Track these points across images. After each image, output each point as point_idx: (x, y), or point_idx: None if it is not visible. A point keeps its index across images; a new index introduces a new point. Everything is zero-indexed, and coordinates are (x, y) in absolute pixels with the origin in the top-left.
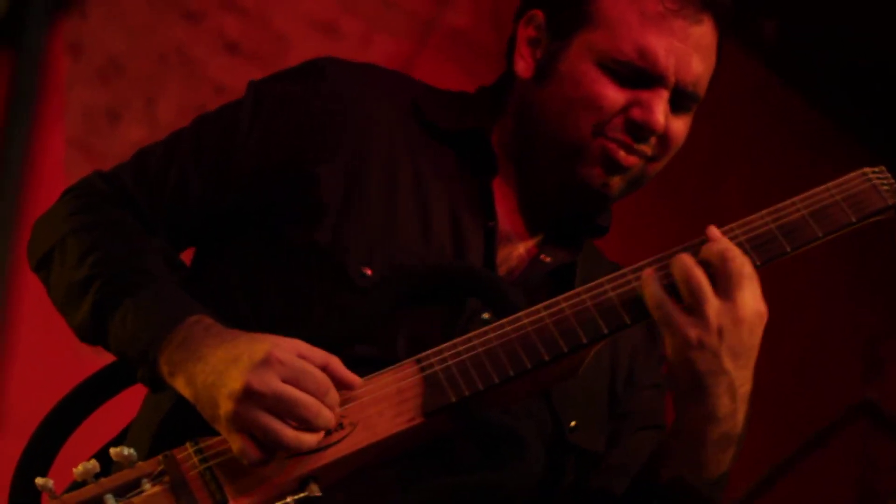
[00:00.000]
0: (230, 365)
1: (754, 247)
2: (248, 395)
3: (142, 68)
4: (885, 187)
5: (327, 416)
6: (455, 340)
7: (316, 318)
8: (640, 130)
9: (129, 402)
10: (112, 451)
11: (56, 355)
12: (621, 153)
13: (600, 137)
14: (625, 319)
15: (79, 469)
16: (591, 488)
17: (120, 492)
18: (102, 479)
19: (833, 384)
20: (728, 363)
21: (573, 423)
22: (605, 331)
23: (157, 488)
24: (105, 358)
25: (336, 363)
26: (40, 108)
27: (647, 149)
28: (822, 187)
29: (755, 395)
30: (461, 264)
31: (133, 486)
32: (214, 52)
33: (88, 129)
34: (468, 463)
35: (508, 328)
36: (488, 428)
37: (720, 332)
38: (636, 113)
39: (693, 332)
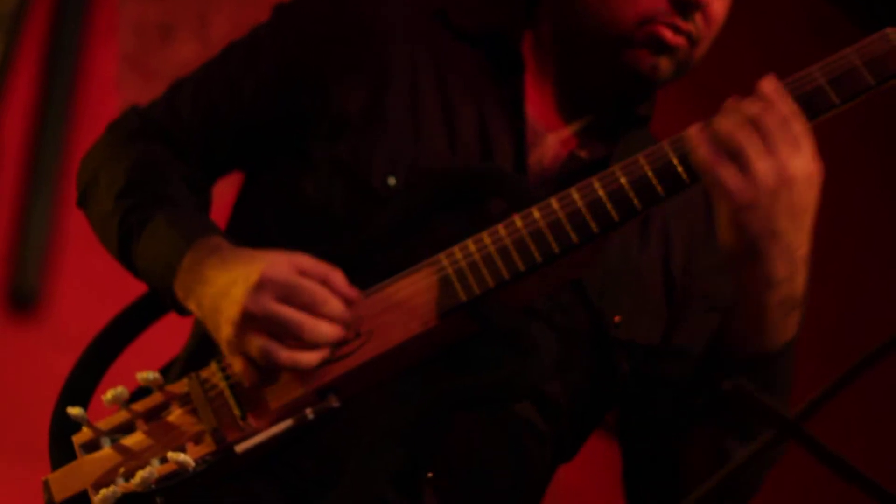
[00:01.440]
0: (229, 288)
1: (833, 82)
2: (244, 319)
3: None
4: None
5: (323, 330)
6: (467, 241)
7: (342, 232)
8: (685, 6)
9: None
10: (138, 375)
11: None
12: (668, 33)
13: (647, 25)
14: (658, 191)
15: (108, 396)
16: (650, 376)
17: (149, 415)
18: (133, 405)
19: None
20: (782, 224)
21: (617, 319)
22: (616, 219)
23: (183, 409)
24: None
25: (337, 276)
26: (92, 23)
27: (692, 27)
28: (842, 52)
29: (810, 308)
30: (482, 166)
31: (162, 409)
32: None
33: (141, 45)
34: (476, 364)
35: (520, 223)
36: (499, 327)
37: (772, 193)
38: None
39: (744, 194)
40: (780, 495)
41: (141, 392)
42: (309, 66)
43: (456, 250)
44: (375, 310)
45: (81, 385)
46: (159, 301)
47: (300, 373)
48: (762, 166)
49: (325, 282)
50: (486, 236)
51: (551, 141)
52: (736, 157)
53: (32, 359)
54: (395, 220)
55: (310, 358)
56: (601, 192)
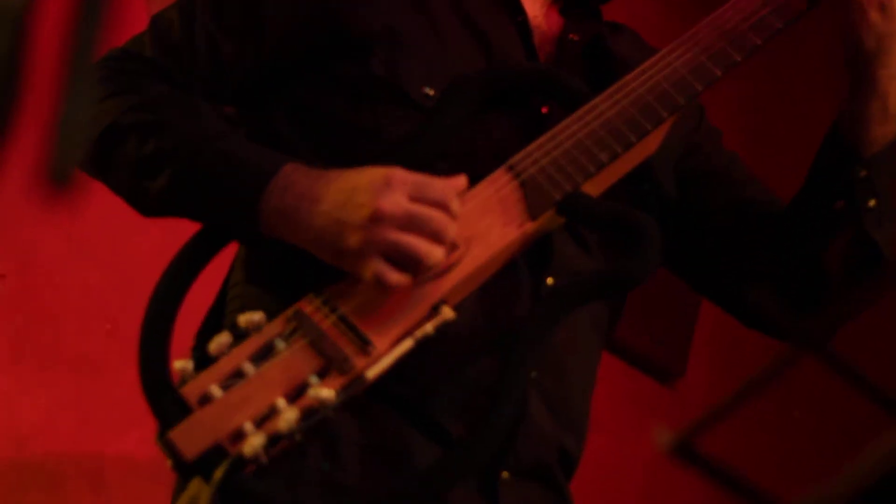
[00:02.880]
0: (351, 196)
1: None
2: (380, 218)
3: None
4: None
5: (455, 227)
6: (540, 140)
7: (387, 146)
8: None
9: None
10: (241, 318)
11: None
12: None
13: None
14: (696, 87)
15: (212, 345)
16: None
17: (256, 358)
18: (234, 350)
19: None
20: (892, 42)
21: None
22: (681, 101)
23: (295, 346)
24: None
25: (439, 178)
26: None
27: None
28: None
29: None
30: (521, 64)
31: (267, 350)
32: None
33: None
34: (571, 261)
35: (589, 117)
36: (599, 218)
37: (882, 6)
38: None
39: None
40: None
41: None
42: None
43: (532, 150)
44: (468, 218)
45: (160, 332)
46: (218, 233)
47: (412, 291)
48: None
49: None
50: (559, 132)
51: (543, 26)
52: None
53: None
54: (444, 128)
55: (441, 253)
56: (660, 78)
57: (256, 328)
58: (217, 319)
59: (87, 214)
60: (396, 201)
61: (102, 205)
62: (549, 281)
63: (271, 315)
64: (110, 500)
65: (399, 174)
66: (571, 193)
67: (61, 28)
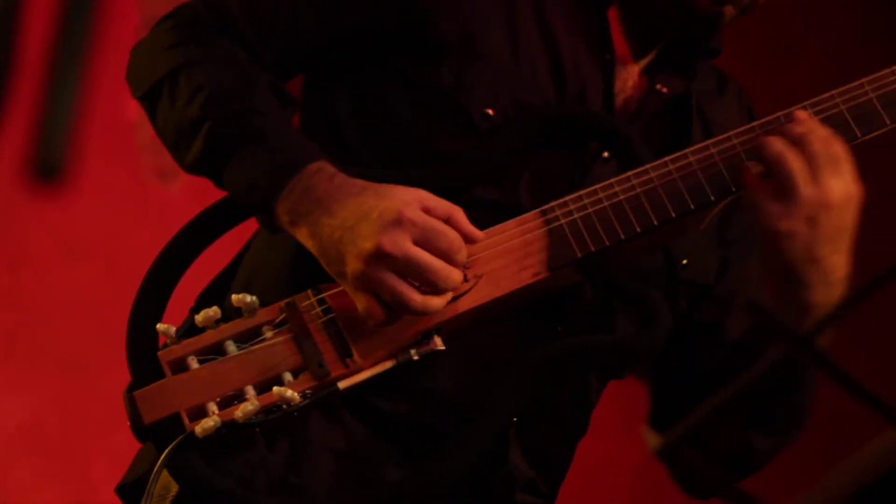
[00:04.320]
0: (359, 221)
1: (855, 117)
2: (379, 256)
3: None
4: None
5: (456, 278)
6: (580, 192)
7: (435, 157)
8: None
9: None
10: (233, 297)
11: (123, 185)
12: None
13: None
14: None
15: (200, 316)
16: (700, 321)
17: (241, 339)
18: (222, 326)
19: None
20: (821, 250)
21: (685, 262)
22: (733, 188)
23: (279, 337)
24: (171, 188)
25: (459, 214)
26: None
27: None
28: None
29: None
30: (585, 109)
31: (254, 334)
32: None
33: None
34: (587, 319)
35: (634, 181)
36: (615, 286)
37: (811, 221)
38: None
39: (784, 223)
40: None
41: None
42: None
43: (569, 201)
44: (486, 255)
45: (157, 295)
46: (237, 210)
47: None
48: (804, 194)
49: (449, 221)
50: (599, 190)
51: (632, 70)
52: (779, 184)
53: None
54: (496, 153)
55: (439, 303)
56: (718, 159)
57: (249, 311)
58: (224, 286)
59: (78, 214)
60: (399, 243)
61: (94, 205)
62: (558, 334)
63: (268, 300)
64: (97, 500)
65: (411, 213)
66: (594, 253)
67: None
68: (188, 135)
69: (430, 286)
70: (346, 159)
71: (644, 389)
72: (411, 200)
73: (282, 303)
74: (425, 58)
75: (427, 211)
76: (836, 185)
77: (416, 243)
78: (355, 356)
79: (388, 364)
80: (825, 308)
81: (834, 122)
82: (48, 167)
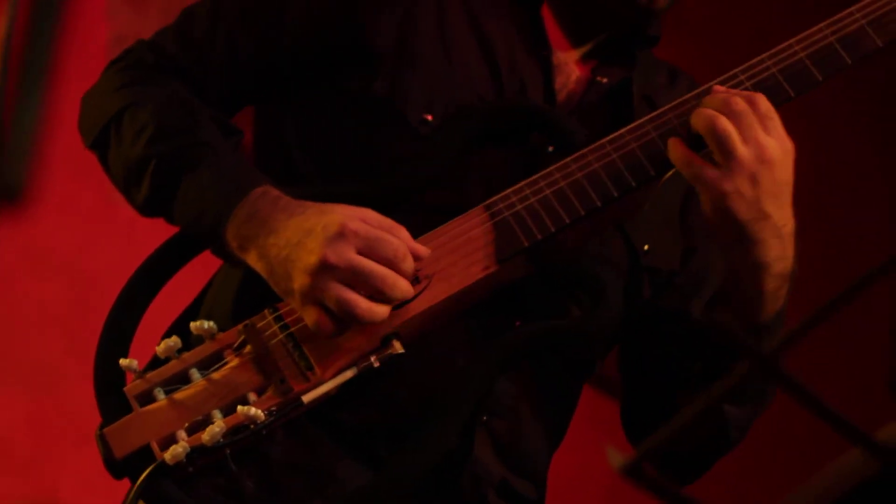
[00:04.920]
0: (304, 237)
1: (786, 77)
2: (324, 268)
3: None
4: None
5: (403, 286)
6: (521, 184)
7: (380, 169)
8: None
9: (193, 273)
10: (192, 325)
11: (89, 202)
12: None
13: None
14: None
15: (161, 346)
16: (662, 309)
17: (203, 365)
18: (184, 355)
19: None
20: (768, 206)
21: (646, 247)
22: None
23: (240, 359)
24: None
25: (405, 232)
26: None
27: None
28: (847, 11)
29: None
30: (521, 100)
31: (216, 359)
32: None
33: None
34: (543, 308)
35: (574, 166)
36: (565, 271)
37: (752, 178)
38: None
39: (727, 184)
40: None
41: (157, 361)
42: (336, 2)
43: (510, 194)
44: (434, 254)
45: (120, 331)
46: (192, 243)
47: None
48: (741, 152)
49: (392, 234)
50: (540, 179)
51: (572, 65)
52: (715, 148)
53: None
54: (440, 156)
55: (384, 310)
56: (655, 135)
57: (209, 336)
58: (187, 322)
59: (44, 228)
60: (343, 254)
61: (61, 222)
62: (514, 327)
63: (227, 326)
64: None
65: (353, 225)
66: (541, 241)
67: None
68: (136, 174)
69: (378, 294)
70: (297, 181)
71: (615, 404)
72: (355, 214)
73: (240, 326)
74: (360, 70)
75: (370, 224)
76: (770, 141)
77: (361, 253)
78: (316, 369)
79: (350, 373)
80: (781, 263)
81: (766, 85)
82: (9, 188)
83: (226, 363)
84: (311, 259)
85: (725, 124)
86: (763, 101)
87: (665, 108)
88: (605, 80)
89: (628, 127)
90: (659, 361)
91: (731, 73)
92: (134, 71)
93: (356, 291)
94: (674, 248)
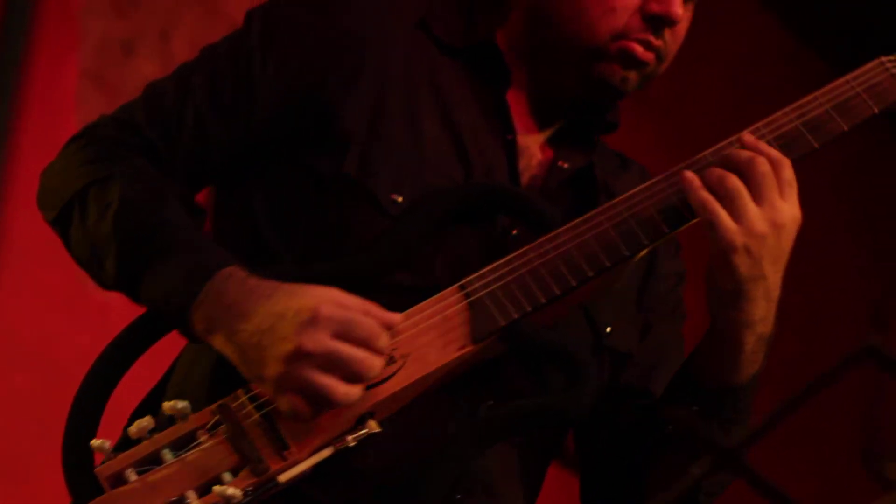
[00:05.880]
0: (275, 323)
1: (782, 146)
2: (299, 356)
3: (158, 1)
4: None
5: (378, 364)
6: (496, 263)
7: (350, 248)
8: (659, 23)
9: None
10: (165, 405)
11: (59, 288)
12: (640, 49)
13: (620, 40)
14: (663, 229)
15: (133, 428)
16: (623, 387)
17: (176, 446)
18: (156, 435)
19: (837, 338)
20: (767, 268)
21: (608, 329)
22: (646, 242)
23: (214, 440)
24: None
25: (375, 307)
26: (53, 38)
27: (661, 44)
28: (842, 80)
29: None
30: (491, 182)
31: (189, 440)
32: None
33: (102, 61)
34: (518, 386)
35: (549, 246)
36: (540, 349)
37: (762, 238)
38: (653, 6)
39: (739, 238)
40: None
41: (129, 442)
42: (305, 82)
43: (486, 273)
44: (409, 334)
45: (89, 412)
46: (160, 323)
47: None
48: (756, 212)
49: (366, 315)
50: (515, 259)
51: (534, 149)
52: (732, 200)
53: None
54: (408, 238)
55: (360, 391)
56: (628, 215)
57: (181, 416)
58: (156, 401)
59: (13, 314)
60: (319, 340)
61: (31, 307)
62: (489, 405)
63: (200, 406)
64: None
65: (326, 310)
66: (517, 321)
67: None
68: (102, 253)
69: (354, 377)
70: (264, 259)
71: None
72: (325, 296)
73: (213, 406)
74: (330, 150)
75: (342, 307)
76: (785, 206)
77: (336, 337)
78: (292, 448)
79: (327, 452)
80: (763, 325)
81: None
82: None
83: (199, 444)
84: (286, 346)
85: (737, 181)
86: (787, 168)
87: (636, 190)
88: (566, 165)
89: (601, 208)
90: (619, 438)
91: (755, 126)
92: (98, 146)
93: (332, 376)
94: (632, 328)
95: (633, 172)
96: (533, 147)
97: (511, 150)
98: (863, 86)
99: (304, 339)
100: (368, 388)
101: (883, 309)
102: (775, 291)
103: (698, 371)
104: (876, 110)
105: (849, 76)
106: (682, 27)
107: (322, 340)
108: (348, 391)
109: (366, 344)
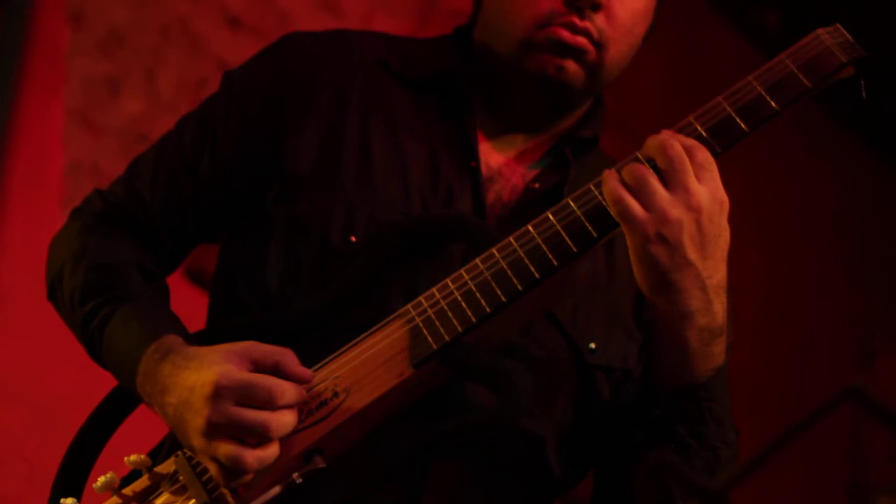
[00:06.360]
0: (189, 396)
1: (714, 135)
2: (210, 428)
3: (143, 40)
4: (839, 42)
5: (287, 420)
6: (434, 288)
7: (309, 291)
8: (579, 4)
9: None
10: (126, 459)
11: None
12: (565, 32)
13: (545, 28)
14: (592, 234)
15: (97, 484)
16: (623, 403)
17: (141, 498)
18: (123, 490)
19: (824, 373)
20: (691, 254)
21: (593, 346)
22: (575, 249)
23: (173, 488)
24: None
25: (288, 358)
26: (39, 78)
27: (589, 25)
28: (777, 58)
29: (742, 379)
30: (439, 212)
31: (152, 490)
32: (216, 26)
33: (88, 100)
34: (454, 408)
35: (482, 266)
36: (472, 370)
37: (678, 223)
38: None
39: (650, 227)
40: None
41: (133, 475)
42: (263, 130)
43: (422, 299)
44: (351, 367)
45: (73, 473)
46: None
47: (288, 436)
48: (666, 198)
49: (276, 369)
50: (450, 282)
51: (506, 175)
52: (639, 188)
53: None
54: (361, 276)
55: (273, 451)
56: (558, 227)
57: (144, 468)
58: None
59: (3, 355)
60: (222, 411)
61: (17, 344)
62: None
63: (162, 457)
64: None
65: (224, 380)
66: (450, 343)
67: None
68: (75, 330)
69: (263, 437)
70: (235, 309)
71: None
72: (230, 365)
73: (172, 457)
74: (284, 194)
75: (254, 362)
76: (701, 189)
77: (240, 404)
78: (240, 491)
79: (276, 490)
80: (705, 315)
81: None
82: None
83: (161, 493)
84: (199, 420)
85: (645, 170)
86: (701, 151)
87: (569, 198)
88: (537, 186)
89: (533, 221)
90: (630, 452)
91: (686, 119)
92: (85, 220)
93: (243, 443)
94: (627, 345)
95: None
96: (509, 172)
97: (476, 177)
98: (798, 62)
99: (210, 412)
100: (312, 424)
101: (868, 344)
102: (712, 278)
103: (655, 375)
104: (809, 84)
105: (784, 53)
106: (622, 10)
107: (225, 410)
108: (259, 456)
109: (269, 404)
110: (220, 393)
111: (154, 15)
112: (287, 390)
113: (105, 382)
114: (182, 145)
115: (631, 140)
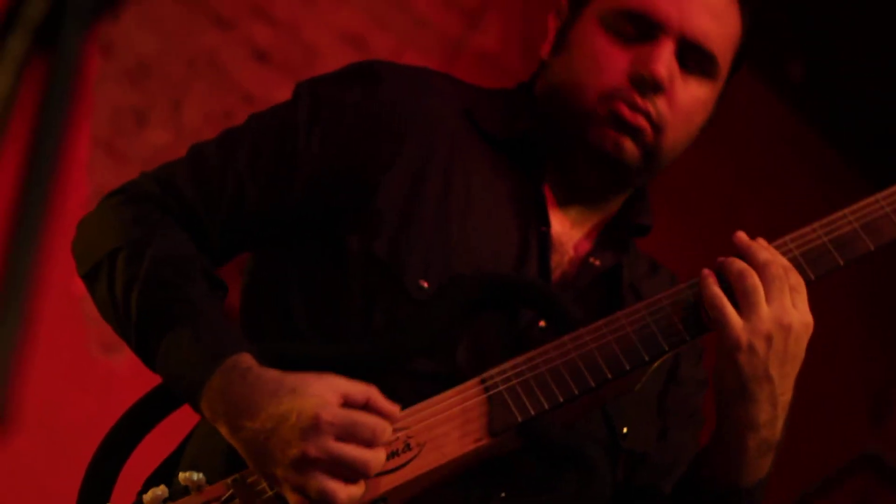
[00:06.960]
0: (279, 426)
1: (808, 261)
2: (305, 462)
3: (171, 72)
4: None
5: (381, 460)
6: (517, 359)
7: (374, 330)
8: (641, 81)
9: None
10: (181, 476)
11: (69, 354)
12: (626, 110)
13: (608, 102)
14: (684, 336)
15: (148, 496)
16: (637, 487)
17: None
18: None
19: (837, 435)
20: (773, 370)
21: (625, 430)
22: (666, 348)
23: None
24: (116, 360)
25: (376, 395)
26: (70, 106)
27: (650, 106)
28: (872, 198)
29: None
30: (518, 276)
31: None
32: (243, 59)
33: (114, 129)
34: (530, 482)
35: (570, 346)
36: (555, 448)
37: (768, 338)
38: (638, 67)
39: (744, 335)
40: None
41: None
42: (347, 160)
43: (507, 368)
44: (427, 423)
45: (102, 478)
46: (171, 396)
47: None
48: (764, 312)
49: (368, 405)
50: (536, 356)
51: (568, 245)
52: (747, 296)
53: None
54: (430, 324)
55: (361, 490)
56: (650, 320)
57: (196, 488)
58: (171, 469)
59: (22, 383)
60: (322, 446)
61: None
62: (501, 497)
63: (215, 478)
64: None
65: (327, 415)
66: (534, 417)
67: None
68: (124, 321)
69: (358, 476)
70: (289, 333)
71: None
72: (328, 398)
73: (229, 479)
74: (362, 228)
75: (346, 399)
76: (794, 311)
77: (339, 439)
78: None
79: None
80: (768, 430)
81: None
82: None
83: None
84: (292, 451)
85: (756, 279)
86: (795, 275)
87: (661, 294)
88: (597, 263)
89: (624, 311)
90: None
91: (782, 240)
92: (137, 205)
93: (336, 480)
94: (650, 430)
95: (661, 277)
96: (567, 242)
97: (544, 243)
98: (892, 206)
99: (308, 445)
100: (383, 473)
101: (882, 403)
102: (784, 396)
103: (703, 471)
104: (872, 247)
105: (878, 195)
106: (685, 97)
107: (325, 446)
108: (350, 493)
109: (370, 443)
110: (321, 427)
111: (182, 47)
112: (387, 430)
113: (122, 410)
114: (256, 153)
115: (652, 193)
